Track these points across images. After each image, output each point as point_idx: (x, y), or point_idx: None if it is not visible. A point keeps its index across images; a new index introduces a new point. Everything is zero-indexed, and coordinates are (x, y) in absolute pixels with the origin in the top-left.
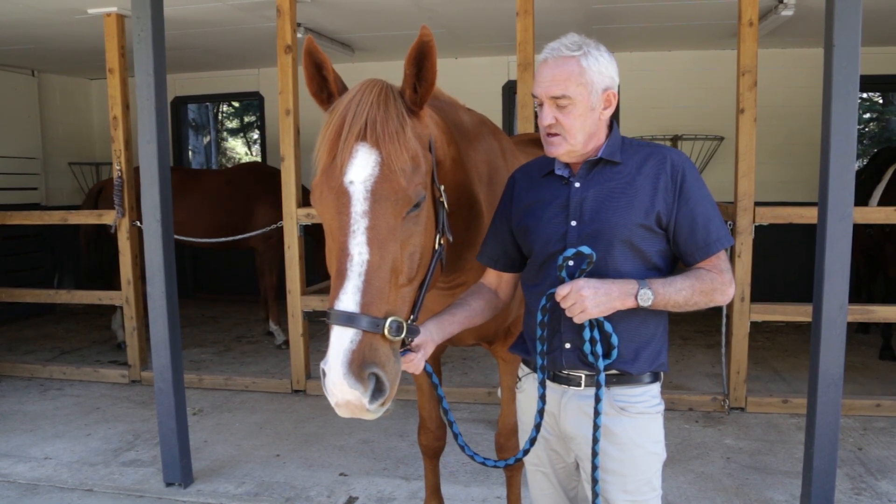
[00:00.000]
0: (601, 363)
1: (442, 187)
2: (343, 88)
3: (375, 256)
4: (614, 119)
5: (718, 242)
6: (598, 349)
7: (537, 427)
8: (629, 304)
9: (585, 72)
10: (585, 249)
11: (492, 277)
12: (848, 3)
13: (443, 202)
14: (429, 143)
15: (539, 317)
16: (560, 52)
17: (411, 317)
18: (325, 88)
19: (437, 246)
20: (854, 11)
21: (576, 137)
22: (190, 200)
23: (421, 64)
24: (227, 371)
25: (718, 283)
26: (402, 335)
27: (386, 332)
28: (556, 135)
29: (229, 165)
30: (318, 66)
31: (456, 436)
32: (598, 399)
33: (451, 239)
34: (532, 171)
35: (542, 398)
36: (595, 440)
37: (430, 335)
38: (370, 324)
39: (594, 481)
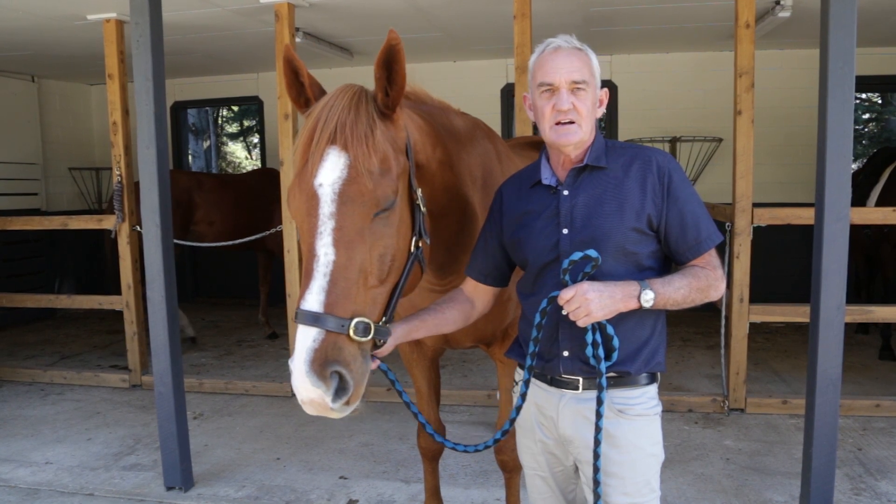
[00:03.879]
0: (603, 366)
1: (419, 190)
2: (320, 94)
3: (341, 257)
4: (601, 122)
5: (709, 240)
6: (601, 352)
7: (518, 409)
8: (632, 305)
9: (592, 64)
10: (592, 253)
11: (471, 287)
12: (843, 4)
13: (419, 205)
14: (405, 147)
15: (537, 318)
16: (572, 43)
17: (383, 318)
18: (303, 94)
19: (412, 249)
20: (849, 12)
21: (589, 124)
22: (226, 202)
23: (390, 67)
24: (227, 375)
25: (713, 280)
26: (370, 336)
27: (351, 332)
28: (570, 122)
29: (229, 170)
30: (296, 72)
31: (400, 392)
32: (599, 402)
33: (428, 242)
34: (519, 183)
35: (523, 396)
36: (597, 442)
37: (394, 336)
38: (335, 324)
39: (596, 483)
